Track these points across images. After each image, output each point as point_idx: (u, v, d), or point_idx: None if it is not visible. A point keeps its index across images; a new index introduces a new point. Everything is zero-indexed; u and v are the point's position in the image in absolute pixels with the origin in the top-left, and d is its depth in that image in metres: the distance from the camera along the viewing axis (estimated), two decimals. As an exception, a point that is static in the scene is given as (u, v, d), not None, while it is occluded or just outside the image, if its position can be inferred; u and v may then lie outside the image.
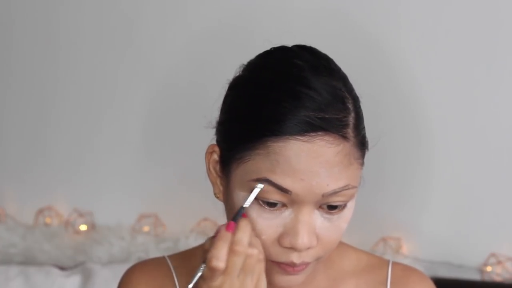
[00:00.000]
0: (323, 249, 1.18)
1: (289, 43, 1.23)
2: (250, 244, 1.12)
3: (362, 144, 1.18)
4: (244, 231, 1.12)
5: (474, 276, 2.14)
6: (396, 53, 2.12)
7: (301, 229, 1.14)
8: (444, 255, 2.16)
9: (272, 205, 1.15)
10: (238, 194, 1.16)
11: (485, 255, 2.14)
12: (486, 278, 2.14)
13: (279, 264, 1.17)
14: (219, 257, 1.10)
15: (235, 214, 1.14)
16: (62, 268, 2.18)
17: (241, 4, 2.19)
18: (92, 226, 2.30)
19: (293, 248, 1.15)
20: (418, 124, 2.14)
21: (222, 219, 1.22)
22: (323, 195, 1.13)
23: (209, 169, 1.23)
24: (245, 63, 1.23)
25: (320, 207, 1.16)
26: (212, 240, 1.14)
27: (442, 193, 2.16)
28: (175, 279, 1.30)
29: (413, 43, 2.13)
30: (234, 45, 2.17)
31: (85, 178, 2.31)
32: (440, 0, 2.12)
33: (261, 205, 1.15)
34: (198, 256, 1.28)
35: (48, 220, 2.32)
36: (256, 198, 1.14)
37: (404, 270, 1.33)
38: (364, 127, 1.19)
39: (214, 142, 1.23)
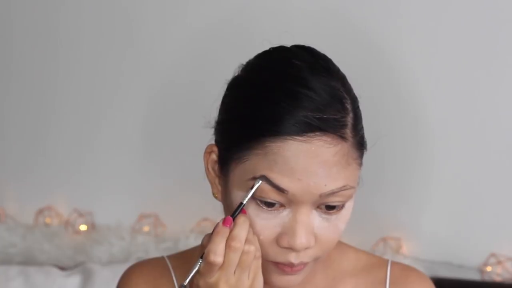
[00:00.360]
0: (321, 249, 1.18)
1: (288, 43, 1.24)
2: (248, 241, 1.13)
3: (360, 145, 1.18)
4: (241, 227, 1.13)
5: (474, 276, 2.14)
6: (395, 54, 2.12)
7: (299, 229, 1.14)
8: (444, 255, 2.16)
9: (270, 205, 1.15)
10: (237, 194, 1.16)
11: (485, 255, 2.14)
12: (486, 278, 2.14)
13: (277, 264, 1.17)
14: (217, 252, 1.11)
15: (234, 210, 1.14)
16: (62, 268, 2.18)
17: (240, 4, 2.19)
18: (92, 226, 2.30)
19: (291, 248, 1.15)
20: (417, 124, 2.14)
21: (222, 220, 1.22)
22: (320, 195, 1.13)
23: (208, 169, 1.23)
24: (244, 63, 1.23)
25: (318, 207, 1.16)
26: (210, 235, 1.14)
27: (442, 193, 2.16)
28: (174, 279, 1.30)
29: (413, 43, 2.13)
30: (233, 45, 2.17)
31: (85, 178, 2.31)
32: (440, 0, 2.12)
33: (259, 205, 1.15)
34: (198, 256, 1.28)
35: (48, 220, 2.32)
36: (254, 198, 1.14)
37: (403, 270, 1.33)
38: (362, 128, 1.19)
39: (213, 142, 1.23)
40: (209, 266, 1.11)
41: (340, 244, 1.30)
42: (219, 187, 1.22)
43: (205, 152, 1.23)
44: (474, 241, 2.15)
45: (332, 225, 1.17)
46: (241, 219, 1.13)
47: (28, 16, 2.29)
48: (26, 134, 2.33)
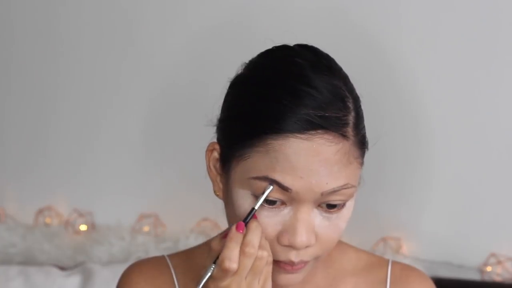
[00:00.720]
0: (322, 248, 1.18)
1: (291, 42, 1.24)
2: (260, 246, 1.13)
3: (362, 144, 1.18)
4: (255, 233, 1.13)
5: (474, 276, 2.14)
6: (397, 53, 2.12)
7: (300, 227, 1.15)
8: (444, 255, 2.16)
9: (271, 203, 1.15)
10: (238, 191, 1.16)
11: (485, 255, 2.14)
12: (486, 278, 2.14)
13: (277, 262, 1.18)
14: (232, 258, 1.11)
15: (246, 215, 1.14)
16: (62, 268, 2.18)
17: (242, 3, 2.19)
18: (92, 226, 2.30)
19: (291, 246, 1.15)
20: (418, 124, 2.14)
21: (222, 219, 1.22)
22: (322, 194, 1.13)
23: (209, 167, 1.23)
24: (247, 62, 1.24)
25: (319, 205, 1.16)
26: (221, 240, 1.14)
27: (442, 193, 2.16)
28: (174, 278, 1.30)
29: (414, 43, 2.13)
30: (235, 44, 2.17)
31: (85, 178, 2.31)
32: (440, 0, 2.12)
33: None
34: (198, 255, 1.29)
35: (48, 220, 2.32)
36: (255, 196, 1.15)
37: (404, 270, 1.33)
38: (364, 127, 1.19)
39: (215, 140, 1.23)
40: (224, 272, 1.11)
41: (340, 244, 1.31)
42: (221, 185, 1.22)
43: (207, 150, 1.23)
44: (474, 241, 2.15)
45: (333, 224, 1.17)
46: (254, 224, 1.14)
47: (28, 16, 2.29)
48: (26, 134, 2.33)
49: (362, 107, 1.20)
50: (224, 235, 1.15)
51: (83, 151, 2.31)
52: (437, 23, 2.12)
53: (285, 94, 1.13)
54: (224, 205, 1.22)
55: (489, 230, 2.15)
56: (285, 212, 1.16)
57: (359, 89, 1.21)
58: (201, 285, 1.13)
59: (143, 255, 2.20)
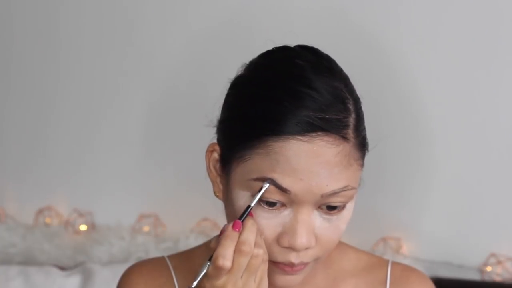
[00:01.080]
0: (322, 250, 1.18)
1: (292, 43, 1.24)
2: (256, 244, 1.13)
3: (362, 145, 1.18)
4: (250, 231, 1.13)
5: (474, 276, 2.14)
6: (397, 54, 2.12)
7: (300, 229, 1.15)
8: (444, 255, 2.16)
9: (271, 204, 1.15)
10: (238, 193, 1.16)
11: (485, 255, 2.14)
12: (486, 278, 2.14)
13: (277, 264, 1.18)
14: (226, 256, 1.11)
15: (242, 213, 1.14)
16: (62, 268, 2.18)
17: (242, 3, 2.19)
18: (92, 226, 2.30)
19: (291, 248, 1.15)
20: (418, 125, 2.14)
21: (222, 219, 1.22)
22: (322, 196, 1.13)
23: (209, 167, 1.23)
24: (247, 62, 1.23)
25: (319, 207, 1.16)
26: (218, 238, 1.14)
27: (442, 193, 2.16)
28: (174, 279, 1.30)
29: (414, 44, 2.13)
30: (235, 45, 2.17)
31: (85, 178, 2.31)
32: (440, 0, 2.12)
33: (260, 204, 1.15)
34: (198, 256, 1.29)
35: (48, 220, 2.32)
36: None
37: (404, 270, 1.33)
38: (364, 128, 1.19)
39: (215, 141, 1.23)
40: (218, 270, 1.11)
41: (340, 244, 1.31)
42: (221, 186, 1.22)
43: (207, 151, 1.23)
44: (474, 241, 2.15)
45: (333, 226, 1.17)
46: (250, 222, 1.14)
47: (28, 16, 2.29)
48: (26, 134, 2.33)
49: (363, 108, 1.20)
50: (220, 233, 1.15)
51: (83, 151, 2.31)
52: (437, 23, 2.12)
53: (286, 96, 1.13)
54: (224, 206, 1.22)
55: (489, 230, 2.15)
56: (285, 213, 1.16)
57: (359, 90, 1.21)
58: (195, 283, 1.13)
59: (143, 255, 2.21)
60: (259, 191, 1.13)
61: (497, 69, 2.11)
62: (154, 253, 2.21)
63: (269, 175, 1.13)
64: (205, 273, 1.13)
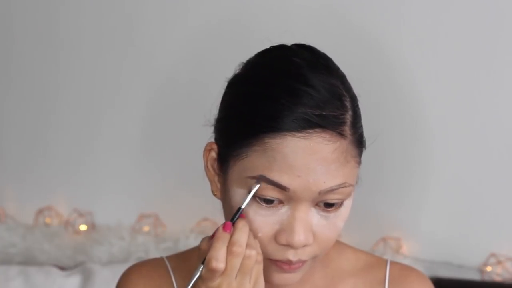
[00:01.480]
0: (320, 247, 1.18)
1: (289, 42, 1.24)
2: (248, 245, 1.13)
3: (359, 142, 1.18)
4: (242, 232, 1.13)
5: (474, 276, 2.14)
6: (395, 53, 2.12)
7: (297, 226, 1.15)
8: (444, 255, 2.16)
9: (268, 202, 1.15)
10: (236, 191, 1.16)
11: (485, 255, 2.14)
12: (486, 278, 2.14)
13: (275, 261, 1.18)
14: (218, 258, 1.11)
15: (233, 215, 1.14)
16: (62, 268, 2.18)
17: (240, 3, 2.19)
18: (92, 226, 2.30)
19: (289, 246, 1.15)
20: (417, 124, 2.14)
21: (222, 219, 1.22)
22: (319, 192, 1.13)
23: (207, 166, 1.23)
24: (244, 61, 1.24)
25: (317, 204, 1.16)
26: (209, 240, 1.14)
27: (442, 193, 2.16)
28: (173, 280, 1.30)
29: (413, 42, 2.13)
30: (233, 44, 2.17)
31: (85, 178, 2.31)
32: (440, 0, 2.12)
33: (257, 202, 1.15)
34: (196, 256, 1.28)
35: (48, 220, 2.32)
36: (253, 195, 1.14)
37: (402, 270, 1.33)
38: (361, 126, 1.19)
39: (213, 140, 1.23)
40: (211, 272, 1.11)
41: (338, 244, 1.31)
42: (218, 185, 1.22)
43: (205, 150, 1.23)
44: (474, 241, 2.15)
45: (330, 223, 1.17)
46: (241, 224, 1.14)
47: (28, 16, 2.29)
48: (26, 134, 2.33)
49: (361, 106, 1.20)
50: (212, 235, 1.15)
51: (83, 151, 2.31)
52: (437, 23, 2.12)
53: (283, 93, 1.13)
54: (222, 204, 1.22)
55: (489, 230, 2.15)
56: (283, 211, 1.16)
57: (357, 88, 1.21)
58: (190, 285, 1.13)
59: (143, 255, 2.21)
60: (249, 192, 1.13)
61: (497, 69, 2.11)
62: (154, 253, 2.21)
63: (266, 173, 1.13)
64: (198, 276, 1.13)
